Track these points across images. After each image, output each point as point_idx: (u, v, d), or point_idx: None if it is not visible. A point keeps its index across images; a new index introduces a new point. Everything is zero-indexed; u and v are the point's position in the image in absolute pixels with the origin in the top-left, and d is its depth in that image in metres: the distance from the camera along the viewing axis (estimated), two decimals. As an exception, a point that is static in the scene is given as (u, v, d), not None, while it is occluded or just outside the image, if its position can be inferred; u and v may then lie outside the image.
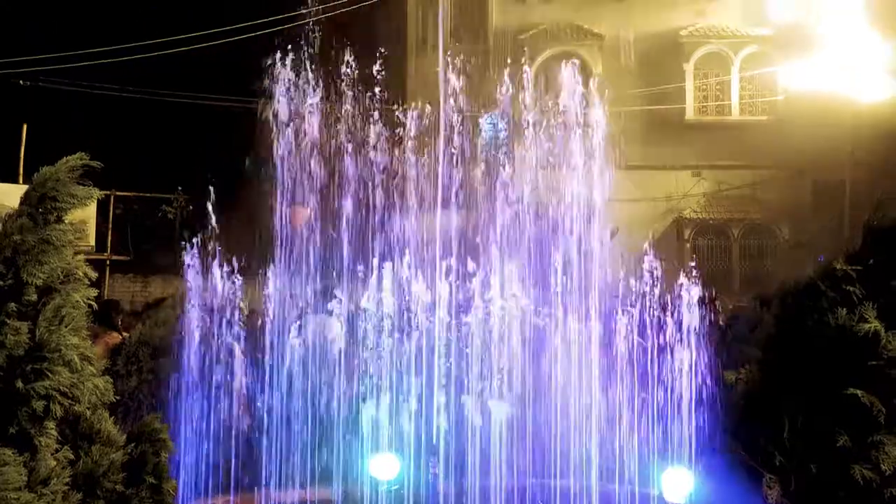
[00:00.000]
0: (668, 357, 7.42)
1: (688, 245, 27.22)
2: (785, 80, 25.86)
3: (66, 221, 4.14)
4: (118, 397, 4.54)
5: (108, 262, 24.62)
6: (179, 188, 27.41)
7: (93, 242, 22.61)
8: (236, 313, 8.50)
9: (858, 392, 4.62)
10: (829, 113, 23.45)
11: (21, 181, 23.47)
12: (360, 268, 8.48)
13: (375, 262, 8.26)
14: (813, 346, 4.87)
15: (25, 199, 4.10)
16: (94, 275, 4.23)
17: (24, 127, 23.67)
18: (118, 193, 25.11)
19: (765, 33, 26.69)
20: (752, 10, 27.03)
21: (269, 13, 23.03)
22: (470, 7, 28.18)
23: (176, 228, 25.69)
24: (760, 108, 27.02)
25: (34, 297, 3.86)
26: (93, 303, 4.18)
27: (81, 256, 4.18)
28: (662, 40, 27.51)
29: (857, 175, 24.74)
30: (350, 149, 9.17)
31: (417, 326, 7.98)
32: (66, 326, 3.85)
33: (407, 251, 8.53)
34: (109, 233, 25.29)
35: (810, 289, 4.94)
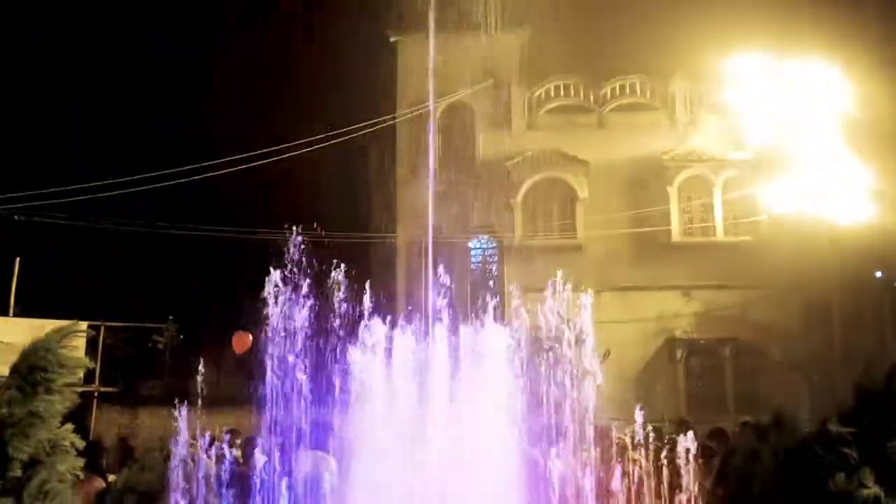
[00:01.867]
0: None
1: (680, 366, 27.16)
2: (766, 202, 26.38)
3: (56, 388, 4.14)
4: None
5: (95, 394, 24.28)
6: (170, 317, 27.39)
7: (81, 375, 22.34)
8: (229, 452, 8.40)
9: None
10: (811, 233, 23.83)
11: (12, 314, 23.47)
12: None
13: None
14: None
15: (15, 370, 4.11)
16: (80, 444, 4.20)
17: (17, 260, 23.80)
18: (108, 324, 25.02)
19: (744, 157, 27.39)
20: (731, 134, 27.81)
21: (259, 146, 23.63)
22: (458, 136, 28.95)
23: (166, 360, 25.52)
24: (744, 228, 27.44)
25: (19, 473, 3.83)
26: (79, 473, 4.14)
27: (69, 426, 4.17)
28: (646, 164, 28.21)
29: (845, 295, 24.99)
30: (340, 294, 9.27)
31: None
32: (50, 502, 3.81)
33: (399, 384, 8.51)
34: (98, 364, 25.06)
35: (807, 451, 4.93)
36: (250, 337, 11.57)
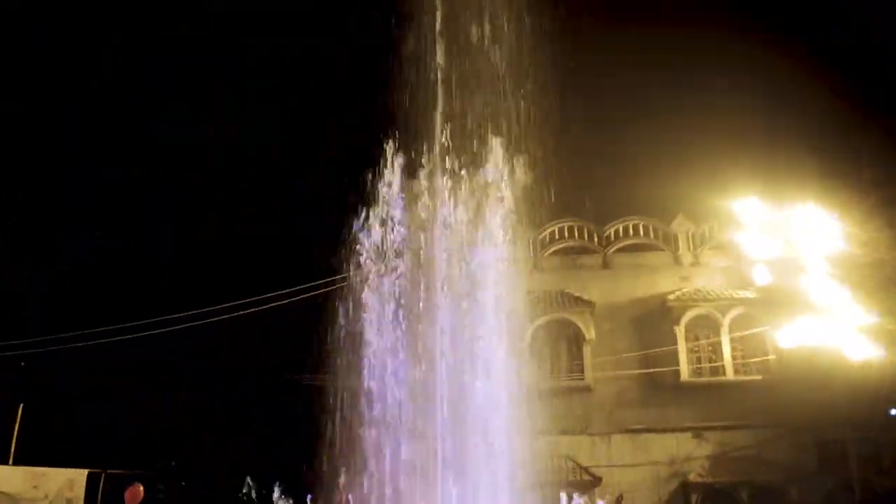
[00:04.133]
0: None
1: (696, 511, 26.34)
2: (774, 340, 26.28)
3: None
4: None
5: (94, 547, 23.50)
6: (173, 463, 26.90)
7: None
8: None
9: None
10: (821, 372, 23.63)
11: (11, 462, 23.09)
12: None
13: None
14: None
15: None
16: None
17: (20, 407, 23.62)
18: (109, 472, 24.52)
19: (749, 295, 27.45)
20: (736, 273, 28.02)
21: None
22: (464, 279, 29.13)
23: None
24: (754, 367, 27.22)
25: None
26: None
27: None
28: (652, 305, 28.30)
29: (858, 434, 24.55)
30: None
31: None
32: None
33: None
34: (98, 513, 24.41)
35: None
36: (142, 489, 11.39)
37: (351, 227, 20.62)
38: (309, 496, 21.23)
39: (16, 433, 23.43)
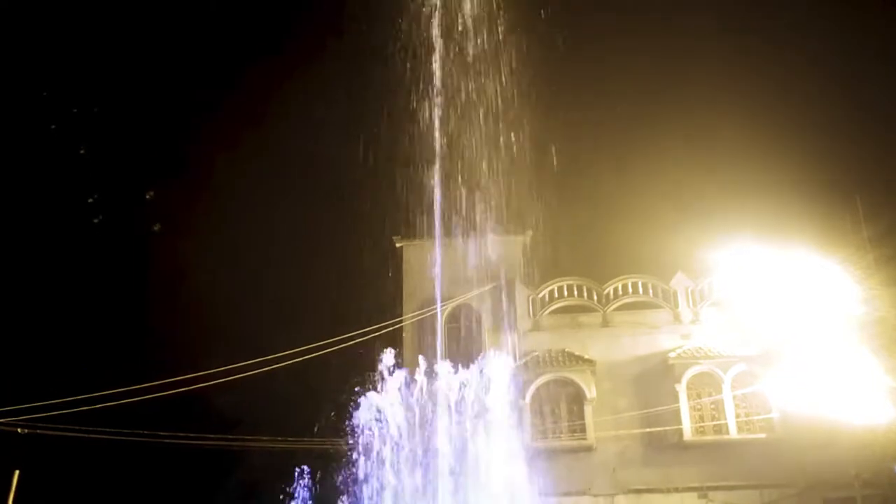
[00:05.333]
0: None
1: (706, 577, 25.83)
2: (778, 397, 26.08)
3: None
4: None
5: None
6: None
7: None
8: None
9: None
10: (826, 429, 23.41)
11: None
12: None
13: None
14: None
15: None
16: None
17: (16, 474, 23.28)
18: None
19: (751, 352, 27.33)
20: (737, 329, 27.92)
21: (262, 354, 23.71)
22: (464, 338, 29.14)
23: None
24: (758, 425, 26.95)
25: None
26: None
27: None
28: (652, 363, 28.16)
29: (867, 491, 24.21)
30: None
31: None
32: None
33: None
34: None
35: None
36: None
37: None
38: None
39: (11, 501, 23.06)
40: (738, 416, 27.22)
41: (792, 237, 25.17)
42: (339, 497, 20.17)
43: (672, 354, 27.88)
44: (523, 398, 27.69)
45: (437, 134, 26.82)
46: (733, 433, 27.03)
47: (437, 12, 26.39)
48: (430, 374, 22.44)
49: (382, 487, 20.53)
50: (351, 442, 20.77)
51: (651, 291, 29.55)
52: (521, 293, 29.76)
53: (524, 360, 28.17)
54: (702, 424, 27.48)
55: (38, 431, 21.87)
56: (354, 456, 20.72)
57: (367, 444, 20.79)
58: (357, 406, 21.20)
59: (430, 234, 28.35)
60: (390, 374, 21.48)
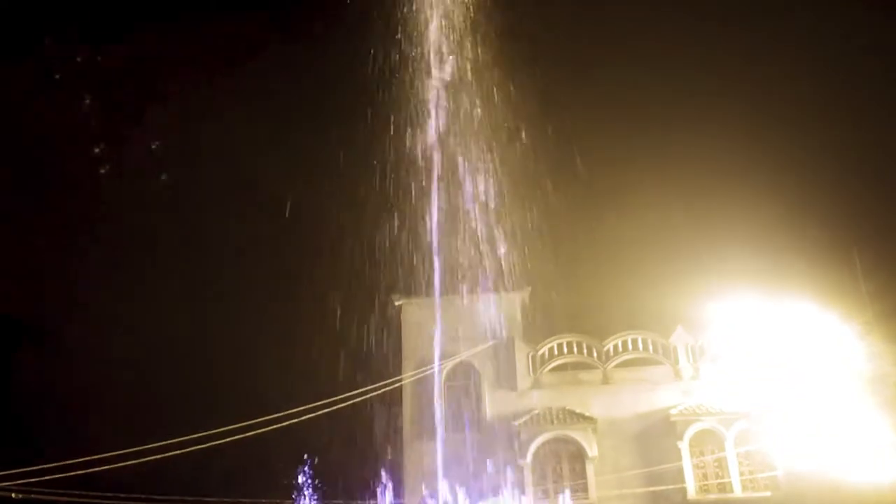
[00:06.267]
0: None
1: None
2: (782, 455, 25.79)
3: None
4: None
5: None
6: None
7: None
8: None
9: None
10: (831, 487, 23.12)
11: None
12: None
13: None
14: None
15: None
16: None
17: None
18: None
19: (753, 409, 27.07)
20: (738, 385, 27.72)
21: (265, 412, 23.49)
22: (463, 396, 28.95)
23: None
24: (762, 483, 26.59)
25: None
26: None
27: None
28: (654, 420, 27.91)
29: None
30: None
31: None
32: None
33: None
34: None
35: None
36: None
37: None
38: None
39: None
40: (741, 473, 26.91)
41: (791, 291, 25.17)
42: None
43: (673, 411, 27.66)
44: (524, 457, 27.40)
45: (434, 192, 27.07)
46: (738, 491, 26.69)
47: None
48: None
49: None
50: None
51: (651, 347, 29.40)
52: (521, 350, 29.61)
53: (524, 419, 27.92)
54: (705, 482, 27.14)
55: (32, 496, 21.58)
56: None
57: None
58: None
59: (429, 292, 28.38)
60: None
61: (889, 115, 33.05)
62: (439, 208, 26.53)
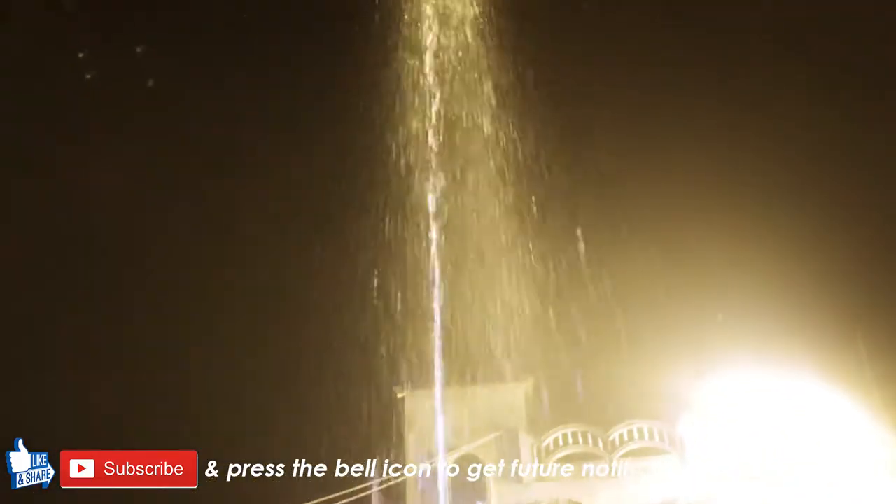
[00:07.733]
0: None
1: None
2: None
3: None
4: None
5: None
6: None
7: None
8: None
9: None
10: None
11: None
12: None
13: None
14: None
15: None
16: None
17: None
18: None
19: (766, 495, 26.61)
20: (748, 470, 27.28)
21: None
22: (469, 490, 28.52)
23: None
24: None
25: None
26: None
27: None
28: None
29: None
30: None
31: None
32: None
33: None
34: None
35: None
36: None
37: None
38: None
39: None
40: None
41: (798, 371, 25.09)
42: None
43: (682, 502, 27.20)
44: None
45: (436, 278, 27.28)
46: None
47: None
48: None
49: None
50: None
51: (657, 436, 29.05)
52: (525, 441, 29.25)
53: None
54: (717, 576, 26.52)
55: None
56: None
57: None
58: None
59: (432, 384, 28.24)
60: None
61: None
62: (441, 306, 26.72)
